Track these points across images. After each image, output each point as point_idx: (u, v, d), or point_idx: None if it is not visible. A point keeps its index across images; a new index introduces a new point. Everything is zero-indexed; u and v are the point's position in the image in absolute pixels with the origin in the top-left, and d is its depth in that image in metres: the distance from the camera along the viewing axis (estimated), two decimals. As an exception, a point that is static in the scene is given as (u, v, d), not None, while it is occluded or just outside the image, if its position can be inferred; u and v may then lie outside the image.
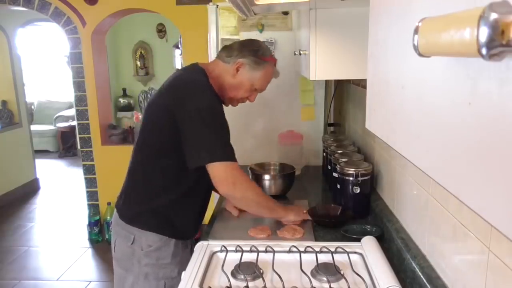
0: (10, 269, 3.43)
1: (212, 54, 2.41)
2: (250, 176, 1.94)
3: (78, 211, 4.49)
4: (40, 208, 4.80)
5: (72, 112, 6.67)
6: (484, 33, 0.25)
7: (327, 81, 2.55)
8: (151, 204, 1.49)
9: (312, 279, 1.14)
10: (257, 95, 1.62)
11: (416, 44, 0.37)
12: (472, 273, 0.88)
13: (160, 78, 6.11)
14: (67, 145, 7.12)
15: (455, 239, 0.96)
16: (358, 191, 1.62)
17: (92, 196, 4.11)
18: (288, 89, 2.45)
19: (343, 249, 1.28)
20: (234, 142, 1.44)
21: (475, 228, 0.86)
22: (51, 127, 7.17)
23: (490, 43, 0.25)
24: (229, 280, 1.14)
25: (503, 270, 0.75)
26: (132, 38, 6.07)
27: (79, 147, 4.49)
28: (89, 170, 4.07)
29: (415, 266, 1.14)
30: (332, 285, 1.11)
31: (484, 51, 0.26)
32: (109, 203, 3.77)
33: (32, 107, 7.38)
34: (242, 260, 1.23)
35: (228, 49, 1.56)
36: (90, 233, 3.87)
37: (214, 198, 1.73)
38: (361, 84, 2.03)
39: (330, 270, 1.17)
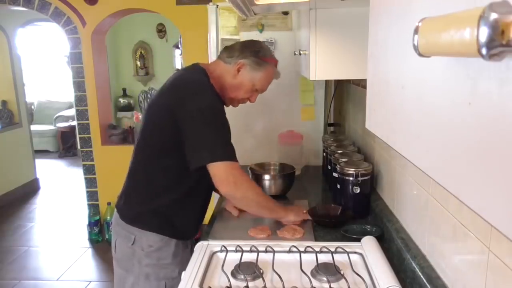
0: (10, 269, 3.43)
1: (212, 54, 2.41)
2: (250, 176, 1.94)
3: (78, 211, 4.49)
4: (40, 208, 4.80)
5: (72, 112, 6.67)
6: (484, 33, 0.25)
7: (327, 81, 2.55)
8: (152, 204, 1.48)
9: (312, 279, 1.14)
10: (257, 95, 1.62)
11: (416, 44, 0.37)
12: (472, 273, 0.88)
13: (160, 78, 6.11)
14: (67, 145, 7.12)
15: (455, 239, 0.96)
16: (358, 191, 1.62)
17: (92, 196, 4.11)
18: (288, 89, 2.45)
19: (343, 249, 1.28)
20: (234, 142, 1.44)
21: (475, 228, 0.86)
22: (51, 127, 7.17)
23: (490, 43, 0.25)
24: (229, 280, 1.14)
25: (503, 270, 0.75)
26: (132, 38, 6.07)
27: (79, 147, 4.49)
28: (89, 170, 4.07)
29: (415, 266, 1.14)
30: (332, 285, 1.11)
31: (484, 51, 0.26)
32: (109, 203, 3.77)
33: (32, 107, 7.38)
34: (242, 260, 1.23)
35: (229, 50, 1.57)
36: (90, 233, 3.88)
37: (214, 198, 1.73)
38: (361, 84, 2.03)
39: (330, 270, 1.17)
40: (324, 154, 2.21)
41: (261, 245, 1.32)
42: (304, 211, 1.61)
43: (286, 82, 2.40)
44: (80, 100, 3.97)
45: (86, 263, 3.54)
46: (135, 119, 4.26)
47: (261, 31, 2.43)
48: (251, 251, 1.30)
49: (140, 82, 6.24)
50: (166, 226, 1.48)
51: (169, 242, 1.48)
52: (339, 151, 1.90)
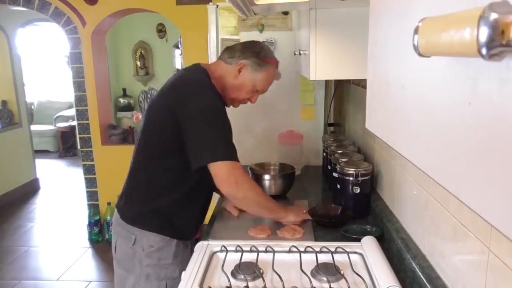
0: (10, 269, 3.43)
1: (212, 54, 2.41)
2: (250, 176, 1.94)
3: (78, 211, 4.49)
4: (40, 208, 4.80)
5: (72, 112, 6.67)
6: (484, 33, 0.25)
7: (327, 81, 2.55)
8: (153, 205, 1.48)
9: (312, 279, 1.14)
10: (258, 96, 1.63)
11: (416, 44, 0.37)
12: (472, 273, 0.88)
13: (160, 78, 6.11)
14: (67, 145, 7.12)
15: (455, 239, 0.96)
16: (358, 191, 1.62)
17: (92, 196, 4.11)
18: (288, 89, 2.45)
19: (343, 249, 1.28)
20: (234, 142, 1.44)
21: (475, 228, 0.86)
22: (51, 127, 7.17)
23: (490, 43, 0.25)
24: (229, 280, 1.14)
25: (503, 270, 0.75)
26: (132, 38, 6.07)
27: (79, 147, 4.49)
28: (89, 170, 4.07)
29: (415, 266, 1.14)
30: (332, 285, 1.11)
31: (484, 51, 0.26)
32: (109, 203, 3.77)
33: (32, 107, 7.38)
34: (242, 260, 1.23)
35: (231, 50, 1.57)
36: (90, 233, 3.88)
37: (214, 198, 1.73)
38: (361, 84, 2.03)
39: (330, 270, 1.17)
40: (324, 154, 2.21)
41: (261, 245, 1.32)
42: (304, 211, 1.61)
43: (286, 82, 2.40)
44: (80, 100, 3.97)
45: (86, 263, 3.54)
46: (135, 119, 4.26)
47: (261, 31, 2.43)
48: (251, 251, 1.30)
49: (140, 82, 6.24)
50: (167, 226, 1.48)
51: (169, 242, 1.48)
52: (339, 151, 1.90)
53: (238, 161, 1.41)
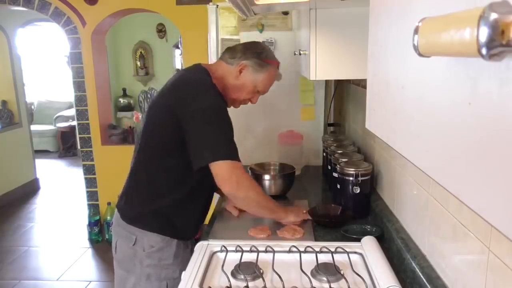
0: (10, 269, 3.43)
1: (212, 54, 2.41)
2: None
3: (78, 211, 4.49)
4: (40, 208, 4.80)
5: (72, 112, 6.67)
6: (484, 33, 0.25)
7: (327, 81, 2.55)
8: (154, 205, 1.48)
9: (312, 279, 1.14)
10: (259, 97, 1.63)
11: (416, 44, 0.37)
12: (472, 273, 0.88)
13: (160, 78, 6.12)
14: (67, 145, 7.12)
15: (455, 239, 0.96)
16: (358, 191, 1.62)
17: (92, 196, 4.11)
18: (288, 89, 2.45)
19: (343, 249, 1.28)
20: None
21: (475, 228, 0.86)
22: (51, 127, 7.17)
23: (490, 43, 0.25)
24: (229, 280, 1.14)
25: (503, 270, 0.75)
26: (132, 38, 6.07)
27: (79, 147, 4.49)
28: (89, 170, 4.07)
29: (415, 266, 1.14)
30: (332, 285, 1.11)
31: (484, 51, 0.26)
32: (109, 203, 3.77)
33: (32, 107, 7.38)
34: (242, 260, 1.23)
35: (232, 51, 1.57)
36: (90, 233, 3.88)
37: (214, 198, 1.73)
38: (361, 84, 2.03)
39: (330, 270, 1.17)
40: (324, 154, 2.21)
41: (261, 245, 1.32)
42: (304, 211, 1.61)
43: (286, 82, 2.39)
44: (80, 100, 3.97)
45: (86, 263, 3.54)
46: (135, 119, 4.26)
47: (261, 31, 2.43)
48: (251, 251, 1.30)
49: (140, 82, 6.24)
50: (167, 227, 1.48)
51: (170, 243, 1.48)
52: (339, 151, 1.90)
53: (239, 160, 1.40)
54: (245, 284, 1.13)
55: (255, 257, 1.25)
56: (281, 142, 2.32)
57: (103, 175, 4.05)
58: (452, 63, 0.38)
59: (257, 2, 1.31)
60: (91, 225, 3.85)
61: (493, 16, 0.25)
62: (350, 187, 1.63)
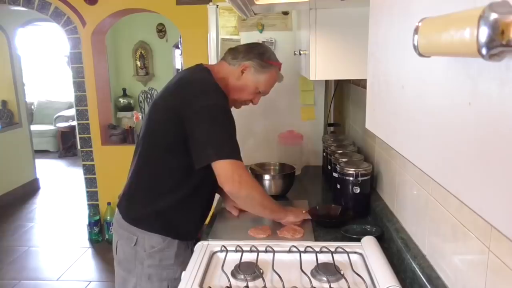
0: (10, 269, 3.43)
1: (212, 54, 2.41)
2: (250, 176, 1.94)
3: (78, 211, 4.49)
4: (40, 208, 4.80)
5: (72, 112, 6.67)
6: (484, 33, 0.25)
7: (327, 81, 2.55)
8: (156, 205, 1.48)
9: (312, 279, 1.14)
10: (260, 98, 1.63)
11: (416, 44, 0.37)
12: (472, 273, 0.88)
13: (160, 78, 6.12)
14: (67, 145, 7.12)
15: (455, 239, 0.96)
16: (358, 191, 1.62)
17: (92, 196, 4.11)
18: (288, 89, 2.45)
19: (343, 249, 1.28)
20: (235, 142, 1.44)
21: (475, 228, 0.86)
22: (51, 127, 7.17)
23: (490, 43, 0.25)
24: (229, 280, 1.14)
25: (503, 270, 0.75)
26: (132, 38, 6.08)
27: (79, 147, 4.48)
28: (89, 170, 4.07)
29: (415, 266, 1.14)
30: (332, 285, 1.11)
31: (484, 51, 0.26)
32: (109, 203, 3.77)
33: (32, 107, 7.38)
34: (242, 260, 1.23)
35: (234, 52, 1.57)
36: (90, 233, 3.88)
37: (214, 198, 1.73)
38: (361, 84, 2.03)
39: (330, 270, 1.17)
40: (324, 154, 2.21)
41: (261, 245, 1.32)
42: (304, 211, 1.61)
43: (286, 82, 2.38)
44: (80, 100, 3.97)
45: (86, 263, 3.54)
46: (135, 119, 4.26)
47: (261, 31, 2.43)
48: (251, 251, 1.30)
49: (140, 82, 6.25)
50: (169, 227, 1.48)
51: (171, 243, 1.48)
52: (339, 151, 1.90)
53: (241, 160, 1.40)
54: (245, 284, 1.13)
55: (255, 257, 1.25)
56: (281, 142, 2.32)
57: (103, 175, 4.04)
58: (452, 63, 0.38)
59: (257, 2, 1.31)
60: (91, 225, 3.85)
61: (493, 16, 0.25)
62: (350, 187, 1.63)
